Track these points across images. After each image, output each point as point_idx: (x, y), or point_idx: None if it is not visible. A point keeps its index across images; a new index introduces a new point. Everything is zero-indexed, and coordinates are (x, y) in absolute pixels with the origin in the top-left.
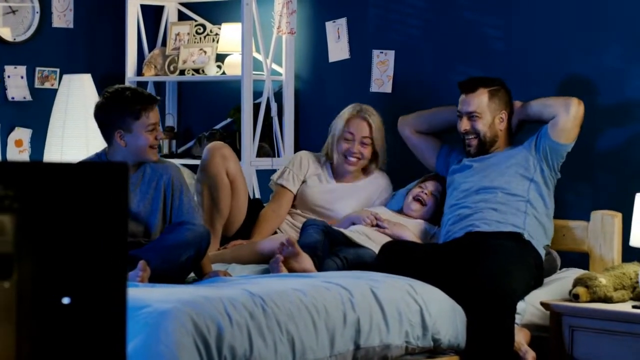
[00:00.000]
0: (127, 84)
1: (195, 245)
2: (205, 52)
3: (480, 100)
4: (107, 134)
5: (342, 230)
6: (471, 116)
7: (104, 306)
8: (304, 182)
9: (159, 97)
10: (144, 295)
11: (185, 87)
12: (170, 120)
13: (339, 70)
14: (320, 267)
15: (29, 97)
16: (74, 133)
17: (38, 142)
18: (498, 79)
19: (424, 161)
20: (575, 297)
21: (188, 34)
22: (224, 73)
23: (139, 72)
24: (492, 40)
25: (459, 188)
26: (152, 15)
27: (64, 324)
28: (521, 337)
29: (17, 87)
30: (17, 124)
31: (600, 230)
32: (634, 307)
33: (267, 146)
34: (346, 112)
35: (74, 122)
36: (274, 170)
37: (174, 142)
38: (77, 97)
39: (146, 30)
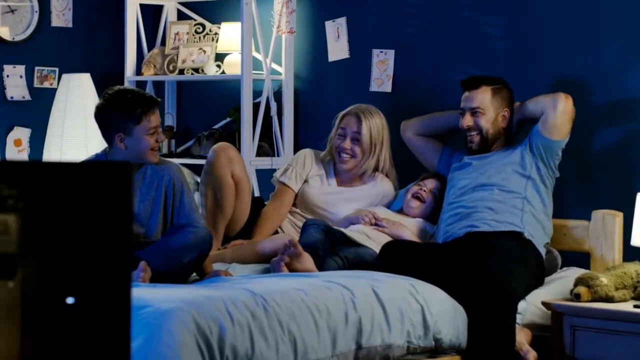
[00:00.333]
0: (126, 83)
1: (198, 248)
2: (204, 51)
3: (484, 97)
4: (107, 136)
5: (342, 229)
6: (474, 112)
7: (108, 306)
8: (305, 181)
9: (159, 99)
10: (145, 295)
11: (185, 86)
12: (170, 120)
13: (338, 70)
14: (321, 266)
15: (27, 97)
16: (73, 132)
17: (37, 141)
18: (500, 78)
19: (426, 163)
20: (577, 297)
21: (187, 33)
22: (223, 72)
23: (138, 71)
24: (492, 40)
25: (457, 185)
26: (151, 14)
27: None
28: (522, 337)
29: (16, 87)
30: (16, 123)
31: (601, 230)
32: (635, 306)
33: (267, 145)
34: (345, 110)
35: (73, 122)
36: (274, 170)
37: (173, 141)
38: (76, 96)
39: (145, 29)
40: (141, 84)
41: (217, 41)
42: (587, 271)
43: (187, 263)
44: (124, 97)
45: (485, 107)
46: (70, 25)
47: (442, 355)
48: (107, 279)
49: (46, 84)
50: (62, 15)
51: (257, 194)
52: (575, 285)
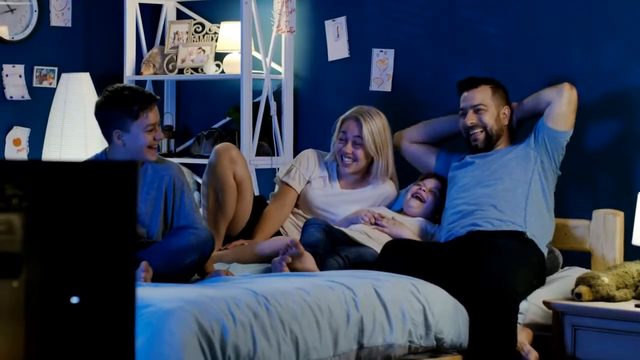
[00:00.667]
0: (125, 82)
1: (199, 249)
2: (204, 50)
3: (485, 94)
4: (106, 134)
5: (342, 229)
6: (477, 109)
7: (112, 305)
8: (308, 182)
9: (158, 97)
10: (147, 294)
11: (184, 86)
12: (169, 119)
13: (338, 69)
14: (322, 266)
15: (27, 96)
16: (73, 132)
17: (36, 141)
18: (493, 79)
19: (423, 168)
20: (578, 296)
21: (187, 32)
22: (223, 72)
23: (138, 71)
24: (492, 39)
25: (459, 183)
26: (150, 13)
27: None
28: (524, 337)
29: (15, 86)
30: (15, 123)
31: (602, 229)
32: (636, 305)
33: (267, 145)
34: (346, 113)
35: (72, 121)
36: (273, 169)
37: (172, 141)
38: (76, 95)
39: (145, 29)
40: (140, 84)
41: (216, 40)
42: (588, 271)
43: (189, 264)
44: (122, 94)
45: (488, 104)
46: (69, 24)
47: (443, 355)
48: (112, 278)
49: (45, 84)
50: (61, 15)
51: (256, 193)
52: (577, 284)
